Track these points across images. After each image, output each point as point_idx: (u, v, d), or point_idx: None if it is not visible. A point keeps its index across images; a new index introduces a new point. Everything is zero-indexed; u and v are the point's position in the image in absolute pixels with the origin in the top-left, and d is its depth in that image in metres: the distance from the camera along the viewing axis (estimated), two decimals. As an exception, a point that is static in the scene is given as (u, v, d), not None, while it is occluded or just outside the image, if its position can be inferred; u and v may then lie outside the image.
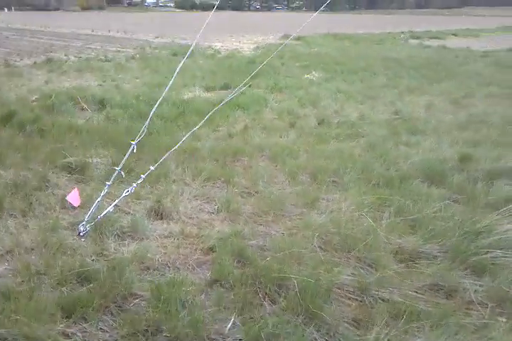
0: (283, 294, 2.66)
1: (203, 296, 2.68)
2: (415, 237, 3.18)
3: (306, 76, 10.48)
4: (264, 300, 2.63)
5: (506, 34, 27.33)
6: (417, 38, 22.68)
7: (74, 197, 3.47)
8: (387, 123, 6.39)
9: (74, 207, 3.62)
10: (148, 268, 3.00)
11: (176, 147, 3.88)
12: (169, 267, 3.02)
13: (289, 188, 4.21)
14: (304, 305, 2.51)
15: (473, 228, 3.13)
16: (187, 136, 3.99)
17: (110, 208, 3.44)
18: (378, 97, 8.20)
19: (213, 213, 3.80)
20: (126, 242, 3.31)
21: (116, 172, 3.47)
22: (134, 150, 3.51)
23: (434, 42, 19.75)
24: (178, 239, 3.36)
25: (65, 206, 3.71)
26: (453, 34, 25.84)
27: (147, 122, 3.52)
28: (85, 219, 3.36)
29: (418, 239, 3.15)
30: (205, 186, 4.29)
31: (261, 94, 8.13)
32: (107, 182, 3.46)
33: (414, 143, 5.48)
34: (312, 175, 4.49)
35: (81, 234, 3.35)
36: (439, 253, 3.01)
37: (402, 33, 25.64)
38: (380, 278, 2.73)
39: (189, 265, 3.04)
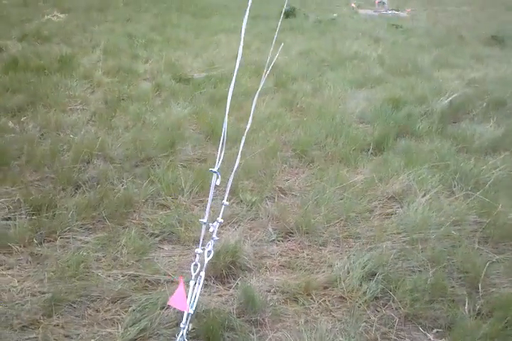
0: None
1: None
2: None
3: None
4: None
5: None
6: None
7: (180, 299, 1.83)
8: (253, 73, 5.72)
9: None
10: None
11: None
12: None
13: (303, 177, 3.34)
14: None
15: None
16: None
17: (198, 290, 1.97)
18: (176, 38, 7.26)
19: (277, 241, 2.69)
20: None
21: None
22: (218, 183, 2.02)
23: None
24: (314, 306, 2.23)
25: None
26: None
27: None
28: (185, 322, 1.85)
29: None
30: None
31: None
32: (197, 250, 1.94)
33: (315, 92, 5.12)
34: (299, 156, 3.68)
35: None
36: None
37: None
38: None
39: None
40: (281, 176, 3.36)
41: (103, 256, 2.45)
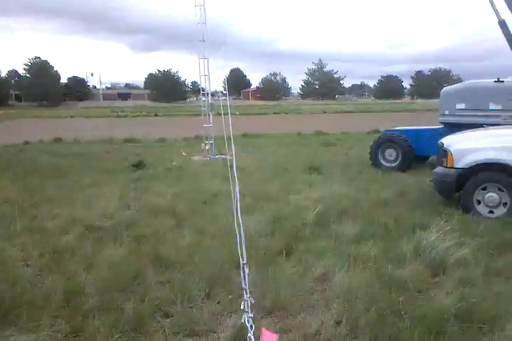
0: None
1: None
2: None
3: None
4: None
5: None
6: None
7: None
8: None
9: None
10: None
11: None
12: None
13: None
14: None
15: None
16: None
17: None
18: (53, 196, 8.21)
19: (262, 317, 3.89)
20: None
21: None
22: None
23: None
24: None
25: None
26: None
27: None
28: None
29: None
30: None
31: None
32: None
33: (213, 223, 6.56)
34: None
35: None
36: None
37: None
38: None
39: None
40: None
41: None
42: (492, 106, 10.76)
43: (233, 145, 4.53)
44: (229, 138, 4.10)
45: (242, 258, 3.33)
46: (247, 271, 3.31)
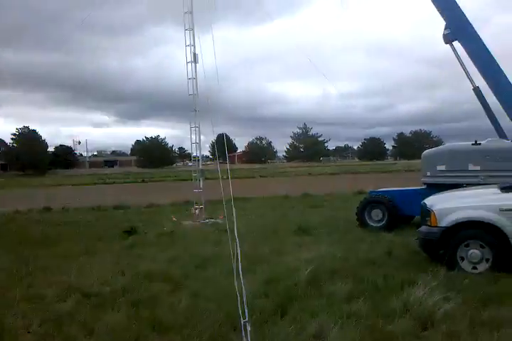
0: None
1: None
2: None
3: None
4: None
5: None
6: None
7: None
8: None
9: None
10: None
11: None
12: None
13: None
14: None
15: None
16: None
17: None
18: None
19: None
20: None
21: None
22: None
23: None
24: None
25: None
26: None
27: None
28: None
29: None
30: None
31: None
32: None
33: (205, 289, 6.74)
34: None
35: None
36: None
37: None
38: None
39: None
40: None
41: None
42: (471, 167, 11.29)
43: (234, 210, 4.91)
44: (225, 201, 4.46)
45: (244, 317, 3.60)
46: (248, 328, 3.56)
